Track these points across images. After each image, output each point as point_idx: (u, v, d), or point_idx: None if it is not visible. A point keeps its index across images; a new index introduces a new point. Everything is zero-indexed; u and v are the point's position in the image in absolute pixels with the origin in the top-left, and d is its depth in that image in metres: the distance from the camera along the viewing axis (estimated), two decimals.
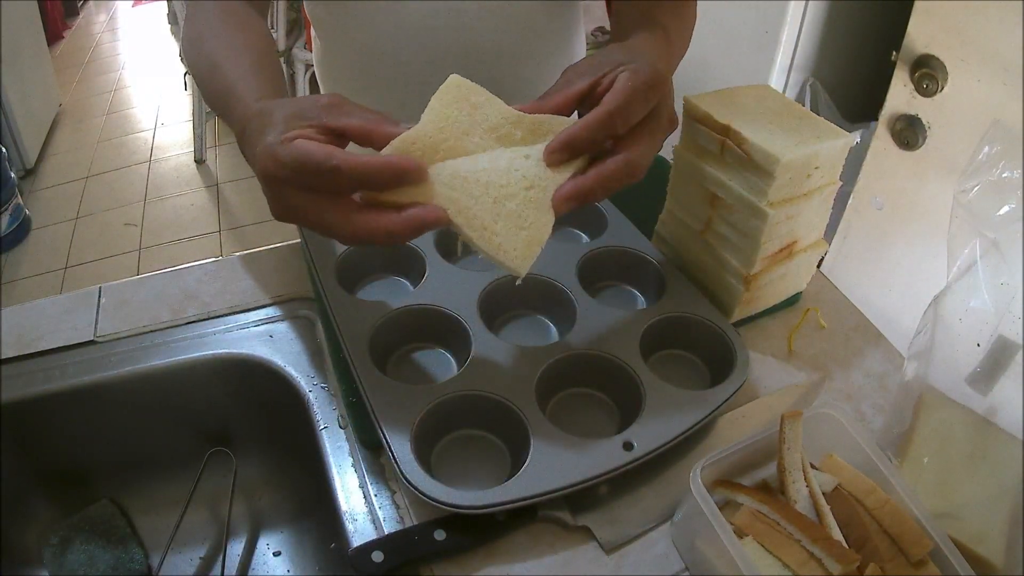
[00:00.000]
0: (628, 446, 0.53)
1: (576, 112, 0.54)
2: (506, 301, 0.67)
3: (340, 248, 0.69)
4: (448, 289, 0.66)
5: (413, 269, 0.69)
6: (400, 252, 0.70)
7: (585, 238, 0.77)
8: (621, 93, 0.49)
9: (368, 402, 0.56)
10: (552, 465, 0.52)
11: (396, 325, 0.63)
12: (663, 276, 0.67)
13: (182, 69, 3.62)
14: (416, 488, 0.50)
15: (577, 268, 0.68)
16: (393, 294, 0.67)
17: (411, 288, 0.69)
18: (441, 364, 0.64)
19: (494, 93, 0.54)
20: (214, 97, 0.60)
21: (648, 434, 0.54)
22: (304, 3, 0.86)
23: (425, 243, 0.70)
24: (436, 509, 0.52)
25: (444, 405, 0.56)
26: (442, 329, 0.64)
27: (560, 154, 0.51)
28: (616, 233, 0.73)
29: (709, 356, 0.64)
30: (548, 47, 0.86)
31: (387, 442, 0.53)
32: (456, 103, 0.52)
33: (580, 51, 0.93)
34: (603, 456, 0.53)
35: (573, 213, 0.52)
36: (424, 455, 0.55)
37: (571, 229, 0.78)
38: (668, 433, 0.55)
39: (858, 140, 1.30)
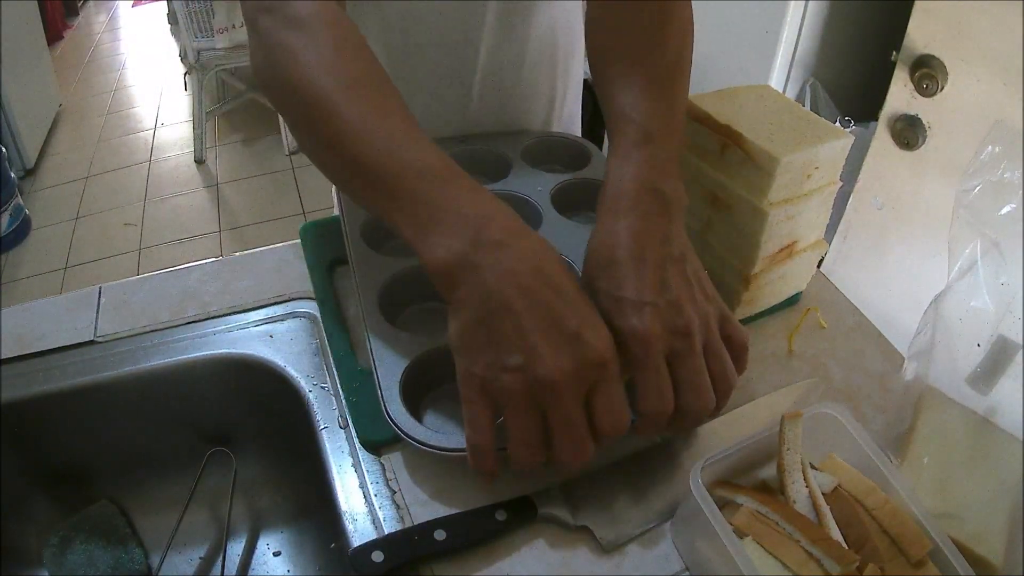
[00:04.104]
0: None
1: None
2: None
3: None
4: None
5: None
6: None
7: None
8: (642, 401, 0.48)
9: (369, 344, 0.58)
10: None
11: (411, 280, 0.64)
12: None
13: (182, 69, 3.62)
14: (393, 420, 0.53)
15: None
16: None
17: None
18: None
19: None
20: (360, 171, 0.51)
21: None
22: None
23: None
24: (436, 509, 0.52)
25: (438, 354, 0.57)
26: None
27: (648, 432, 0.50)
28: None
29: None
30: (556, 51, 0.86)
31: (377, 378, 0.55)
32: None
33: (582, 47, 0.94)
34: None
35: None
36: (414, 400, 0.57)
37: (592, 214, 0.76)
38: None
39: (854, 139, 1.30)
